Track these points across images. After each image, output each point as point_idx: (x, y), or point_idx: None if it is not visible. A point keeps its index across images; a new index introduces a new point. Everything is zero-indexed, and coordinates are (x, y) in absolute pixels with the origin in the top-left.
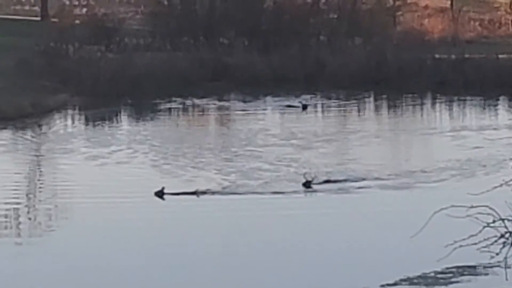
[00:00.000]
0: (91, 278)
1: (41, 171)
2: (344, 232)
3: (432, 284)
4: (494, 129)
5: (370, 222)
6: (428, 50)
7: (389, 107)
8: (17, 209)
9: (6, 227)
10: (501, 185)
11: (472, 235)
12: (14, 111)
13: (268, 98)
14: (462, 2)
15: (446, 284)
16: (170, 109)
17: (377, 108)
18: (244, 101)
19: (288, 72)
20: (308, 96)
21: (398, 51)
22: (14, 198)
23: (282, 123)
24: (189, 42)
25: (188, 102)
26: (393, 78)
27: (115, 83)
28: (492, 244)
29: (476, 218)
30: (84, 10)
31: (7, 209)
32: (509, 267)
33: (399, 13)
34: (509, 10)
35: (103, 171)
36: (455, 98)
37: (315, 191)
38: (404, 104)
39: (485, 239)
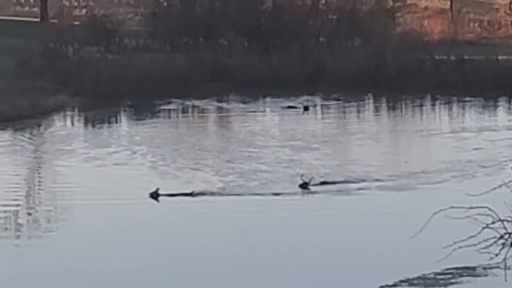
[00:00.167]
0: (89, 279)
1: (40, 172)
2: (343, 233)
3: (432, 285)
4: (494, 130)
5: (369, 223)
6: (428, 51)
7: (388, 108)
8: (16, 210)
9: (6, 229)
10: (500, 186)
11: (472, 236)
12: (13, 112)
13: (268, 99)
14: (462, 3)
15: (445, 285)
16: (169, 110)
17: (377, 109)
18: (244, 102)
19: (287, 73)
20: (308, 97)
21: (398, 52)
22: (13, 199)
23: (282, 124)
24: (189, 43)
25: (188, 103)
26: (392, 79)
27: (115, 84)
28: (491, 245)
29: (476, 219)
30: (84, 11)
31: (6, 211)
32: (508, 268)
33: (399, 14)
34: (508, 11)
35: (101, 172)
36: (455, 99)
37: (312, 192)
38: (403, 105)
39: (484, 240)
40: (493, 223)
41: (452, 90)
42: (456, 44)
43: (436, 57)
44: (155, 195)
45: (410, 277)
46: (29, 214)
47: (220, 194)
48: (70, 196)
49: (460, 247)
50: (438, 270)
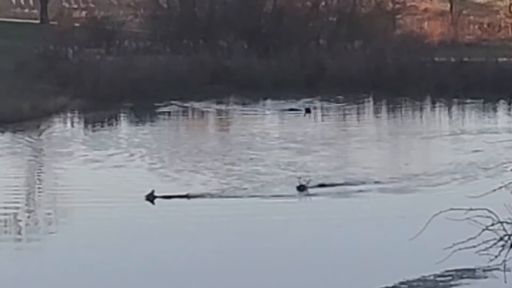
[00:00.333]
0: (89, 281)
1: (39, 175)
2: (342, 235)
3: (431, 287)
4: (494, 132)
5: (369, 225)
6: (428, 53)
7: (388, 110)
8: (16, 213)
9: (5, 231)
10: (500, 188)
11: (471, 238)
12: (13, 114)
13: (268, 101)
14: (462, 6)
15: (445, 287)
16: (169, 112)
17: (377, 111)
18: (244, 104)
19: (287, 75)
20: (308, 100)
21: (398, 54)
22: (12, 201)
23: (284, 126)
24: (189, 45)
25: (188, 105)
26: (392, 81)
27: (115, 86)
28: (491, 247)
29: (475, 221)
30: (84, 13)
31: (6, 214)
32: (508, 270)
33: (399, 16)
34: (508, 13)
35: (99, 175)
36: (455, 101)
37: (310, 194)
38: (403, 107)
39: (484, 242)
40: (492, 225)
41: (452, 92)
42: (456, 46)
43: (436, 59)
44: (151, 198)
45: (410, 279)
46: (28, 216)
47: (217, 196)
48: (68, 198)
49: (460, 249)
50: (438, 272)
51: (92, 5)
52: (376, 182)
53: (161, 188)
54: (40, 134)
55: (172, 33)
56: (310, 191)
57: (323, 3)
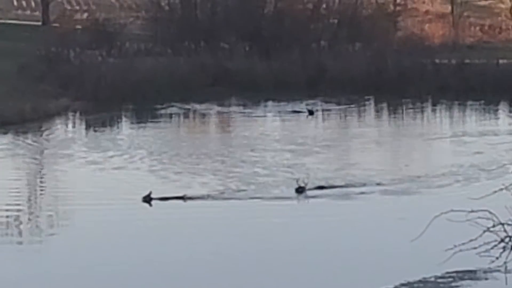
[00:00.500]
0: (89, 283)
1: (40, 176)
2: (342, 237)
3: None
4: (495, 134)
5: (369, 227)
6: (429, 55)
7: (390, 111)
8: (17, 214)
9: (6, 233)
10: (501, 189)
11: (472, 240)
12: (15, 116)
13: (269, 103)
14: (463, 8)
15: None
16: (170, 114)
17: (378, 113)
18: (245, 106)
19: (289, 77)
20: (309, 101)
21: (399, 56)
22: (14, 203)
23: (286, 128)
24: (190, 47)
25: (189, 107)
26: (393, 83)
27: (116, 87)
28: (492, 248)
29: (476, 222)
30: (85, 15)
31: (7, 216)
32: (509, 272)
33: (400, 18)
34: (509, 15)
35: (99, 177)
36: (456, 103)
37: (308, 196)
38: (404, 108)
39: (485, 244)
40: (493, 226)
41: (453, 94)
42: (457, 48)
43: (437, 61)
44: (148, 199)
45: (411, 280)
46: (29, 218)
47: (214, 198)
48: (69, 200)
49: (461, 251)
50: (439, 274)
51: (93, 7)
52: (377, 184)
53: (161, 190)
54: (41, 136)
55: (173, 35)
56: (309, 193)
57: (324, 5)
